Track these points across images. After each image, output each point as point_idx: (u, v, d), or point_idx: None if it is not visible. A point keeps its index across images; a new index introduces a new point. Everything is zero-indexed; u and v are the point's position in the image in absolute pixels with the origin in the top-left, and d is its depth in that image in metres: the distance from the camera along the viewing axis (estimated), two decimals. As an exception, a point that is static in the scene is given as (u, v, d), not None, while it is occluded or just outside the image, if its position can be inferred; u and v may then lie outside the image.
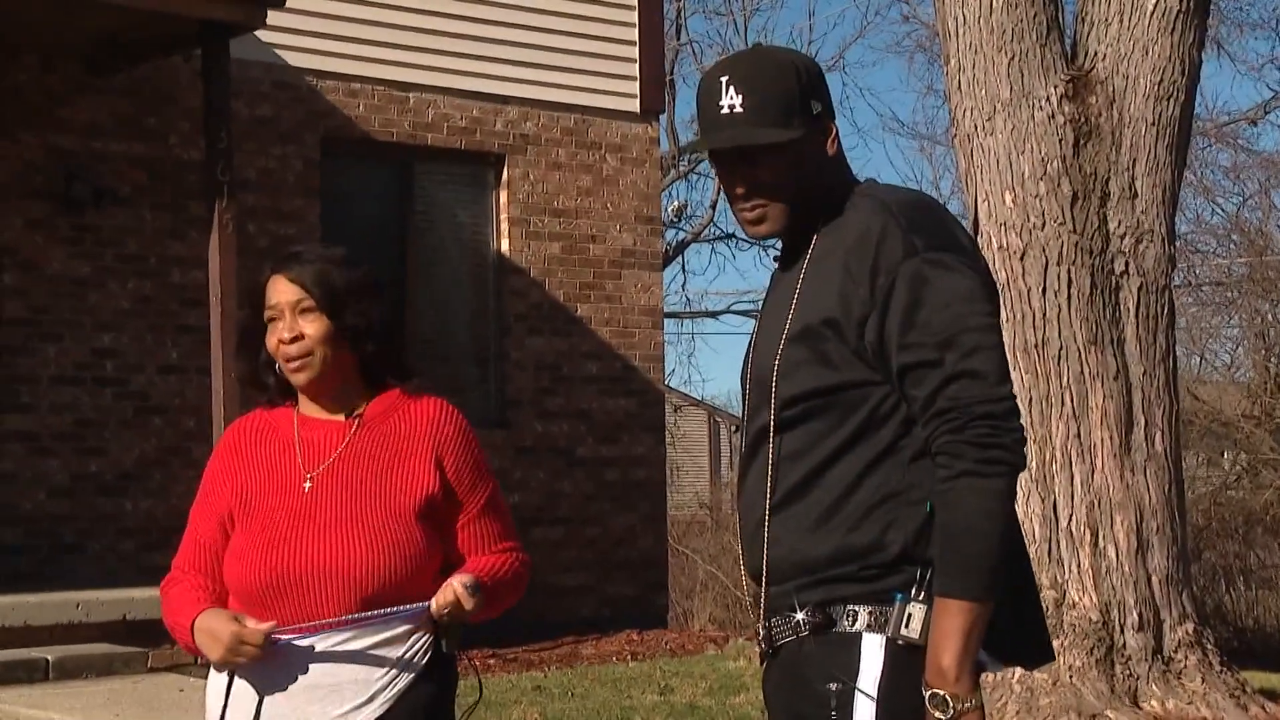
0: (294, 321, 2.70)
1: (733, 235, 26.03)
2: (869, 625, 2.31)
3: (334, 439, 2.74)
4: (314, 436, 2.75)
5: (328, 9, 9.39)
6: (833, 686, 2.31)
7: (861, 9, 38.26)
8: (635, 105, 10.58)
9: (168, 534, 2.86)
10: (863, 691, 2.29)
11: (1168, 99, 6.83)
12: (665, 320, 11.31)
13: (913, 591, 2.30)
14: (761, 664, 2.48)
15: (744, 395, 2.51)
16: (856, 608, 2.32)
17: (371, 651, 2.62)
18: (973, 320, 2.30)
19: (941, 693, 2.23)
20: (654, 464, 10.59)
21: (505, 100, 10.06)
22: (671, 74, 23.49)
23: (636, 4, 10.59)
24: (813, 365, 2.35)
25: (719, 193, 25.02)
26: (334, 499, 2.68)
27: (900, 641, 2.29)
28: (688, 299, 25.85)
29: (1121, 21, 6.86)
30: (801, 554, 2.35)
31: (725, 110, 2.37)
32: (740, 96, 2.37)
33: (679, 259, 25.25)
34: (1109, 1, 6.88)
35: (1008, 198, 6.79)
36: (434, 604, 2.62)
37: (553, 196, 10.24)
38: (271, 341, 2.72)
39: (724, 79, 2.39)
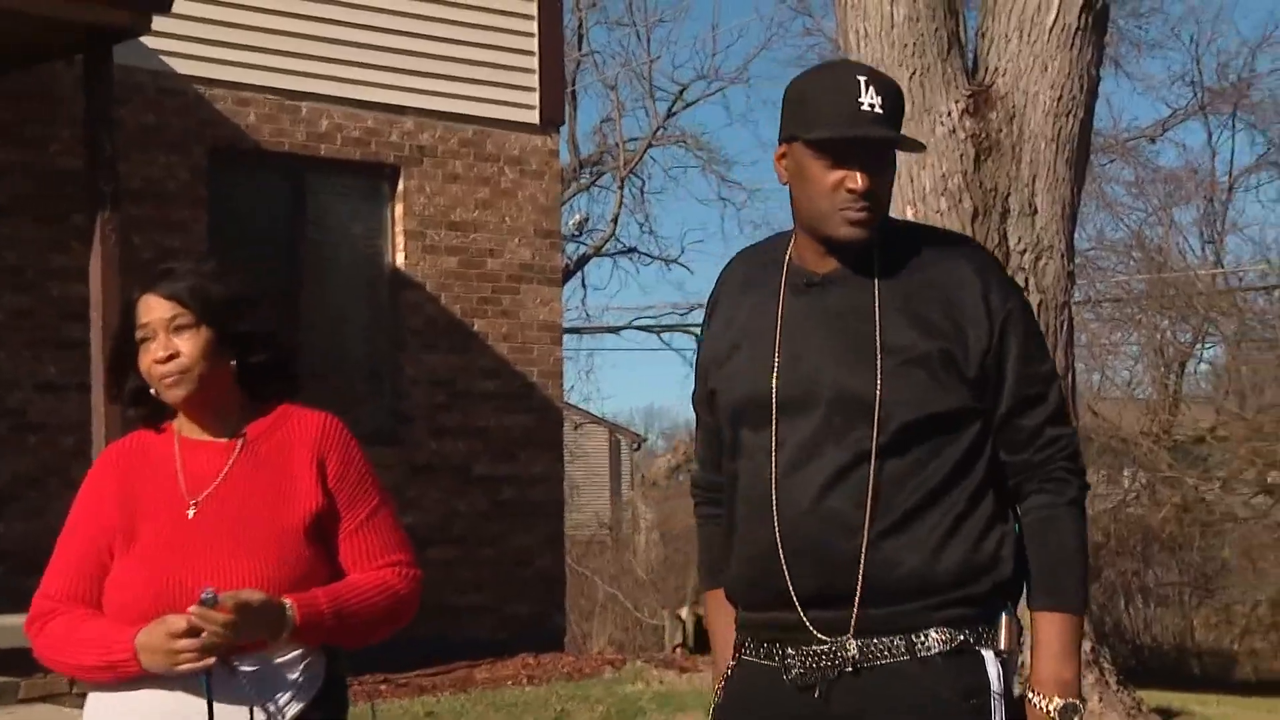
0: (168, 340, 2.66)
1: (635, 249, 26.09)
2: (983, 641, 2.46)
3: (217, 461, 2.70)
4: (196, 460, 2.71)
5: (217, 15, 9.28)
6: (972, 701, 2.44)
7: (765, 22, 38.62)
8: (535, 117, 10.56)
9: (45, 557, 2.79)
10: (997, 694, 2.46)
11: (1067, 115, 6.95)
12: (564, 336, 11.30)
13: (1010, 607, 2.49)
14: (813, 689, 2.44)
15: (770, 408, 2.47)
16: (978, 626, 2.46)
17: (265, 676, 2.59)
18: (1052, 361, 2.59)
19: (1074, 702, 2.44)
20: (552, 482, 10.56)
21: (401, 111, 10.01)
22: (572, 85, 23.53)
23: (536, 14, 10.58)
24: (934, 391, 2.45)
25: (620, 206, 25.08)
26: (219, 523, 2.64)
27: (1004, 655, 2.47)
28: (588, 314, 25.84)
29: (1021, 37, 6.98)
30: (924, 574, 2.43)
31: (867, 107, 2.45)
32: (880, 99, 2.45)
33: (579, 273, 25.26)
34: (1009, 17, 7.00)
35: (909, 212, 6.87)
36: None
37: (449, 209, 10.20)
38: (145, 362, 2.68)
39: (862, 79, 2.46)
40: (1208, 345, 18.10)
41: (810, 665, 2.45)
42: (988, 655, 2.45)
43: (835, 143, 2.44)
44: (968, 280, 2.49)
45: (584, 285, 26.58)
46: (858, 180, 2.44)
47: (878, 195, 2.47)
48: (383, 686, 8.16)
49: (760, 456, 2.49)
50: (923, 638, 2.42)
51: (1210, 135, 21.48)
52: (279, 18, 9.55)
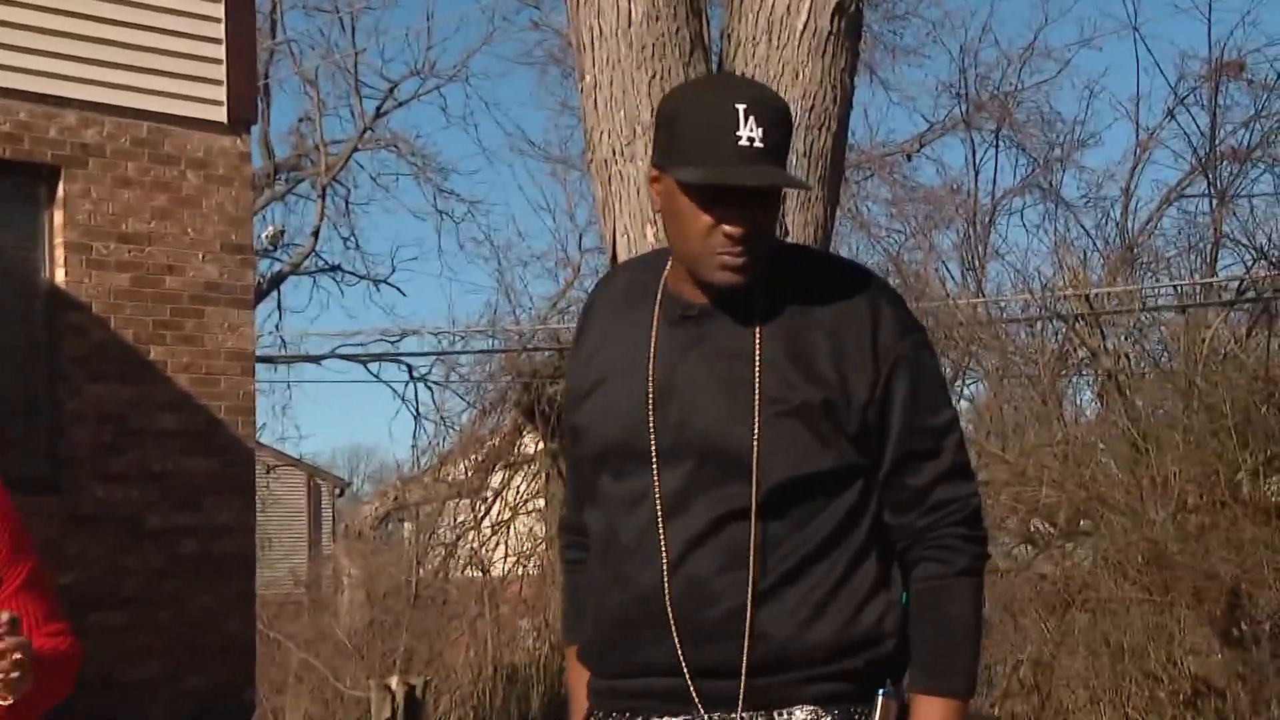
0: None
1: (338, 267, 25.84)
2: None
3: None
4: None
5: None
6: None
7: (486, 14, 38.67)
8: (222, 114, 10.40)
9: None
10: None
11: (819, 128, 7.10)
12: (257, 366, 11.17)
13: (888, 684, 2.50)
14: None
15: (634, 457, 2.50)
16: (851, 705, 2.48)
17: None
18: (953, 409, 2.56)
19: None
20: (242, 534, 10.40)
21: (61, 103, 9.72)
22: (266, 78, 23.20)
23: (224, -5, 10.46)
24: (813, 447, 2.45)
25: (322, 217, 24.81)
26: None
27: None
28: (284, 341, 25.44)
29: (770, 41, 7.11)
30: (799, 645, 2.45)
31: (745, 142, 2.41)
32: (761, 130, 2.42)
33: (274, 294, 24.87)
34: (756, 18, 7.12)
35: (649, 231, 6.93)
36: None
37: (120, 219, 9.96)
38: None
39: (740, 108, 2.41)
40: (969, 381, 18.79)
41: None
42: None
43: (714, 188, 2.42)
44: (857, 319, 2.49)
45: (280, 308, 26.12)
46: (734, 226, 2.43)
47: (759, 237, 2.45)
48: (34, 778, 7.85)
49: (617, 508, 2.52)
50: (786, 715, 2.46)
51: (974, 152, 22.32)
52: (-85, -11, 9.20)
